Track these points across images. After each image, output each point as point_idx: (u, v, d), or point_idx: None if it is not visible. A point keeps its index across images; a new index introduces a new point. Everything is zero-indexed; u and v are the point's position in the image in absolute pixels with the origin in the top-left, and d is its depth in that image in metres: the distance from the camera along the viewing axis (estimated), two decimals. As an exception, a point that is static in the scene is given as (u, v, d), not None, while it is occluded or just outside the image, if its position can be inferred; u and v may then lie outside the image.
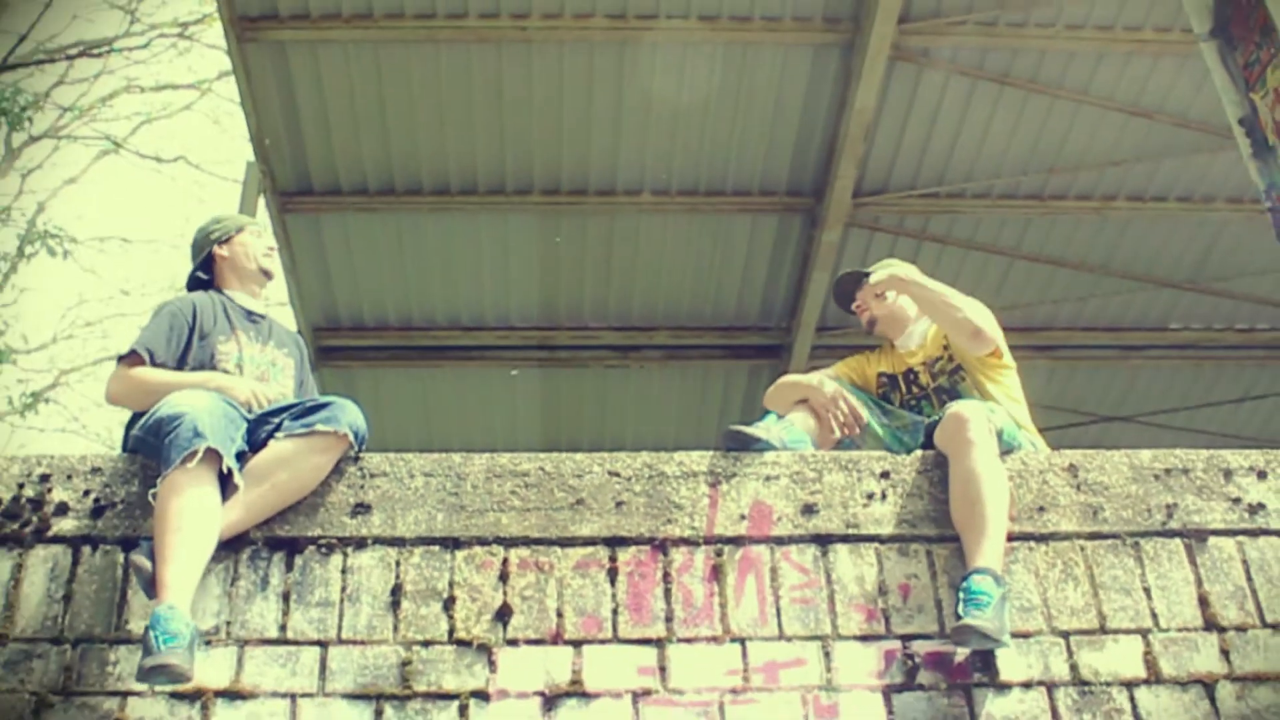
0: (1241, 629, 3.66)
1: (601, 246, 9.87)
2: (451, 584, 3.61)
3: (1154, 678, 3.54)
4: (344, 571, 3.61)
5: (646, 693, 3.44)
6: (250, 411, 3.87)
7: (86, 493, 3.70)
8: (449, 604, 3.58)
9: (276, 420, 3.81)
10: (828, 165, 9.23)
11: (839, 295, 5.02)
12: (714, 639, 3.56)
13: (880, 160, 9.40)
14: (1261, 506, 3.90)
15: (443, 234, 9.70)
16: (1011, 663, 3.55)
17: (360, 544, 3.67)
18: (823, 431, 4.35)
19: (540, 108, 8.86)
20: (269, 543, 3.65)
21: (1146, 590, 3.72)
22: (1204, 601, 3.70)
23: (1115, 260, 10.18)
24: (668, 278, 10.14)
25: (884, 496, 3.86)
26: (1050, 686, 3.52)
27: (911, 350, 4.74)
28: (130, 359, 4.05)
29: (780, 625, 3.59)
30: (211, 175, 44.04)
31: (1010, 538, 3.73)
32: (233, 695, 3.37)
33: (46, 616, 3.48)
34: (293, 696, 3.38)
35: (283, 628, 3.50)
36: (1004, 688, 3.51)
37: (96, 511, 3.67)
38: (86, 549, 3.61)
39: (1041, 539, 3.82)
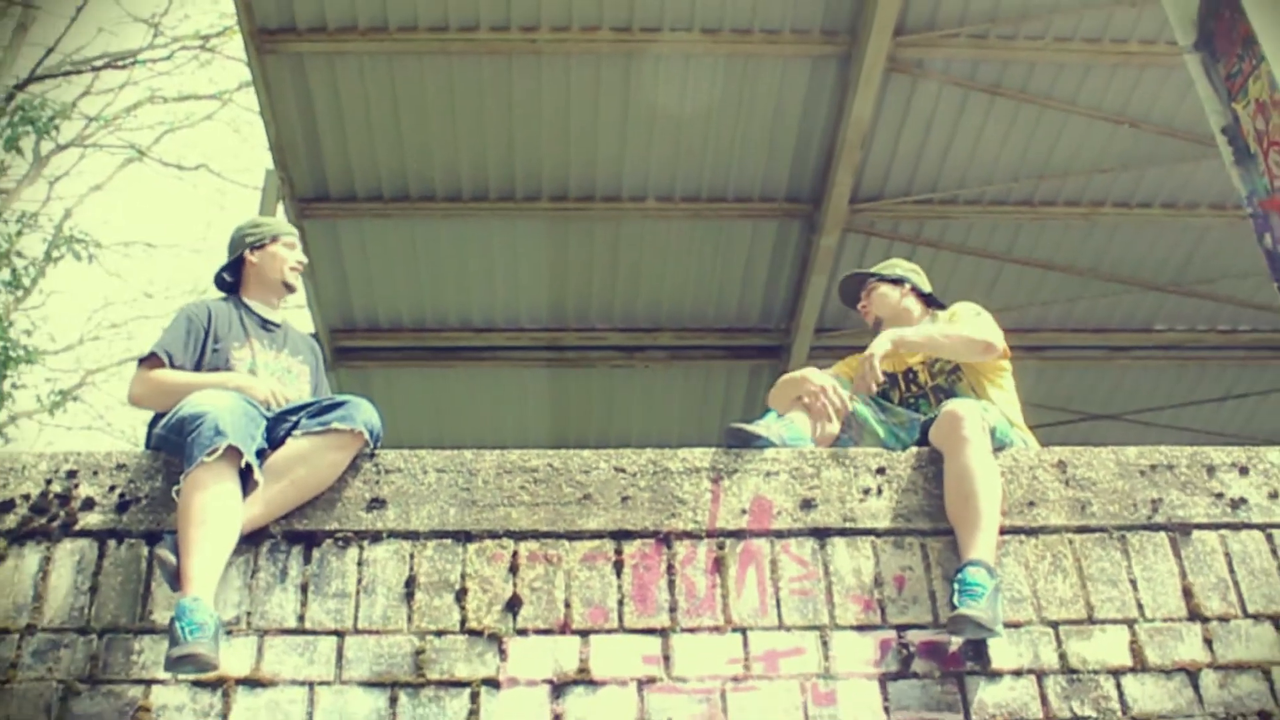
0: (1224, 619, 3.66)
1: (608, 251, 9.88)
2: (463, 576, 3.61)
3: (1140, 666, 3.54)
4: (360, 564, 3.62)
5: (651, 681, 3.45)
6: (269, 410, 3.87)
7: (112, 488, 3.70)
8: (461, 595, 3.58)
9: (294, 418, 3.82)
10: (825, 172, 9.23)
11: (844, 293, 5.00)
12: (716, 629, 3.56)
13: (876, 168, 9.39)
14: (1243, 501, 3.90)
15: (455, 238, 9.70)
16: (1002, 652, 3.55)
17: (376, 537, 3.67)
18: (814, 421, 4.30)
19: (549, 117, 8.86)
20: (288, 536, 3.65)
21: (1133, 582, 3.72)
22: (1188, 593, 3.70)
23: (1103, 264, 10.18)
24: (671, 281, 10.13)
25: (880, 492, 3.86)
26: (1040, 675, 3.52)
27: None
28: (150, 361, 4.05)
29: (780, 616, 3.59)
30: (232, 182, 44.26)
31: (1001, 531, 3.73)
32: (253, 683, 3.38)
33: (73, 607, 3.49)
34: (311, 684, 3.39)
35: (301, 618, 3.51)
36: (995, 676, 3.51)
37: (122, 506, 3.67)
38: (112, 543, 3.61)
39: (1031, 532, 3.82)
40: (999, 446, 3.98)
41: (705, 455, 3.92)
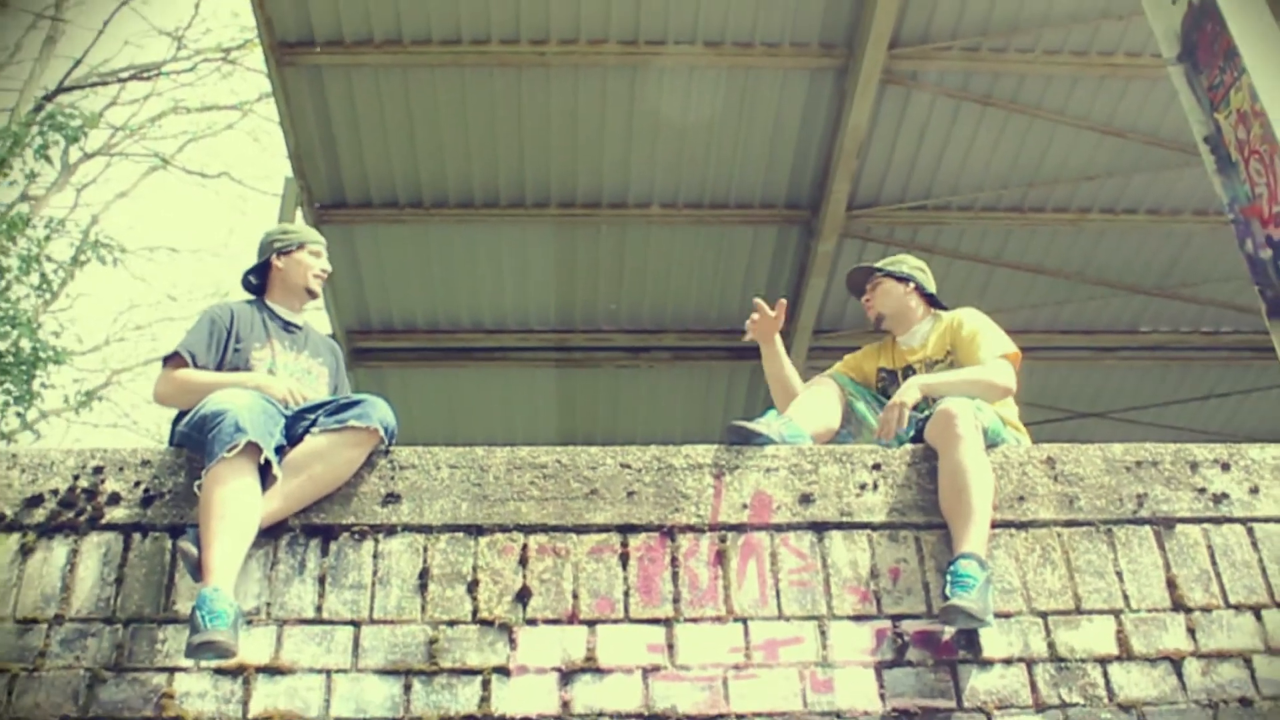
0: (1206, 610, 3.65)
1: (613, 255, 9.88)
2: (475, 568, 3.61)
3: (1126, 655, 3.54)
4: (375, 556, 3.62)
5: (656, 669, 3.45)
6: (287, 408, 3.87)
7: (137, 484, 3.71)
8: (473, 586, 3.58)
9: (312, 416, 3.81)
10: (823, 180, 9.23)
11: (851, 284, 4.97)
12: (718, 619, 3.56)
13: (872, 176, 9.40)
14: (1225, 496, 3.89)
15: (467, 243, 9.71)
16: (994, 641, 3.55)
17: (390, 531, 3.67)
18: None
19: (557, 126, 8.88)
20: (306, 530, 3.65)
21: (1119, 574, 3.72)
22: (1172, 584, 3.70)
23: (1090, 268, 10.17)
24: (675, 284, 10.14)
25: (875, 487, 3.86)
26: (1030, 663, 3.51)
27: (913, 348, 4.69)
28: (174, 361, 4.04)
29: (779, 606, 3.59)
30: (252, 190, 44.36)
31: (993, 525, 3.73)
32: (272, 671, 3.38)
33: (100, 598, 3.49)
34: (328, 672, 3.39)
35: (318, 608, 3.51)
36: (987, 664, 3.51)
37: (146, 501, 3.67)
38: (137, 536, 3.62)
39: (1021, 526, 3.81)
40: (991, 444, 3.97)
41: (708, 452, 3.92)
